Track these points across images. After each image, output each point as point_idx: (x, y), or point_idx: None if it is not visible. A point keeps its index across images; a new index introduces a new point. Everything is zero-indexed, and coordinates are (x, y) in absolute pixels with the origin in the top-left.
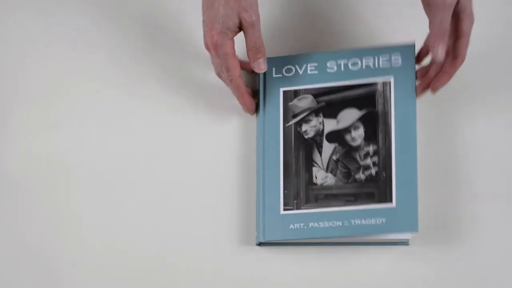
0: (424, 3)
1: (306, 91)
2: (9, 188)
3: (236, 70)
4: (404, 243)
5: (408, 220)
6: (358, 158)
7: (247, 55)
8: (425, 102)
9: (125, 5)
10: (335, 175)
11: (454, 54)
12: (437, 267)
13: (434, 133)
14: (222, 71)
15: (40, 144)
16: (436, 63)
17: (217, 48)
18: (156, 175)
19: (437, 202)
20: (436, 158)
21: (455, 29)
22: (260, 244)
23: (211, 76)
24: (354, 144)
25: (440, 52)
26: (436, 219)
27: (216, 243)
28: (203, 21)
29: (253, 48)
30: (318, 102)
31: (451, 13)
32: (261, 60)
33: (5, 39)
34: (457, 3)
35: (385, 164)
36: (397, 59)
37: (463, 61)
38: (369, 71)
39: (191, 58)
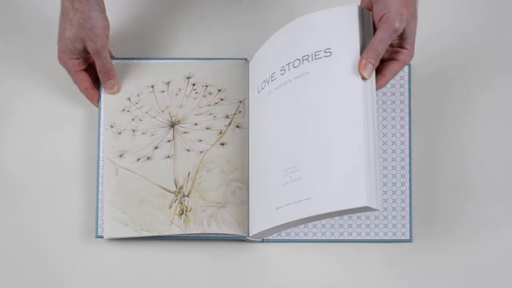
0: (376, 15)
1: None
2: (9, 188)
3: (82, 84)
4: (407, 240)
5: None
6: None
7: (98, 76)
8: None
9: None
10: None
11: (381, 73)
12: (439, 263)
13: (432, 133)
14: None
15: (40, 144)
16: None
17: (61, 63)
18: None
19: (439, 199)
20: (437, 155)
21: (394, 53)
22: (263, 240)
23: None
24: None
25: (366, 71)
26: (438, 216)
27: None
28: (58, 33)
29: (102, 71)
30: None
31: (394, 37)
32: (111, 81)
33: None
34: (403, 30)
35: None
36: None
37: (384, 85)
38: None
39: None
